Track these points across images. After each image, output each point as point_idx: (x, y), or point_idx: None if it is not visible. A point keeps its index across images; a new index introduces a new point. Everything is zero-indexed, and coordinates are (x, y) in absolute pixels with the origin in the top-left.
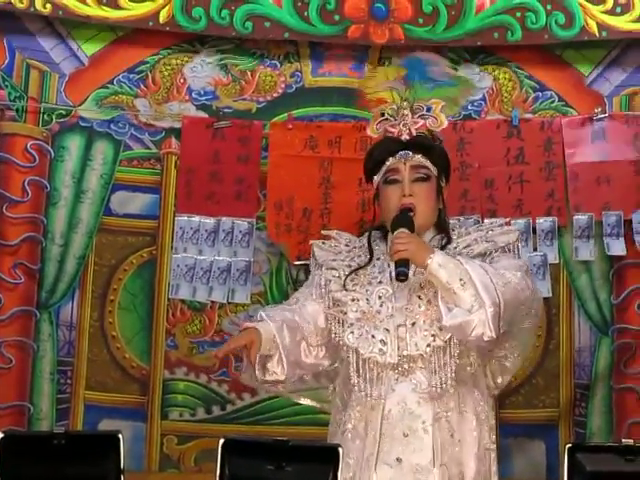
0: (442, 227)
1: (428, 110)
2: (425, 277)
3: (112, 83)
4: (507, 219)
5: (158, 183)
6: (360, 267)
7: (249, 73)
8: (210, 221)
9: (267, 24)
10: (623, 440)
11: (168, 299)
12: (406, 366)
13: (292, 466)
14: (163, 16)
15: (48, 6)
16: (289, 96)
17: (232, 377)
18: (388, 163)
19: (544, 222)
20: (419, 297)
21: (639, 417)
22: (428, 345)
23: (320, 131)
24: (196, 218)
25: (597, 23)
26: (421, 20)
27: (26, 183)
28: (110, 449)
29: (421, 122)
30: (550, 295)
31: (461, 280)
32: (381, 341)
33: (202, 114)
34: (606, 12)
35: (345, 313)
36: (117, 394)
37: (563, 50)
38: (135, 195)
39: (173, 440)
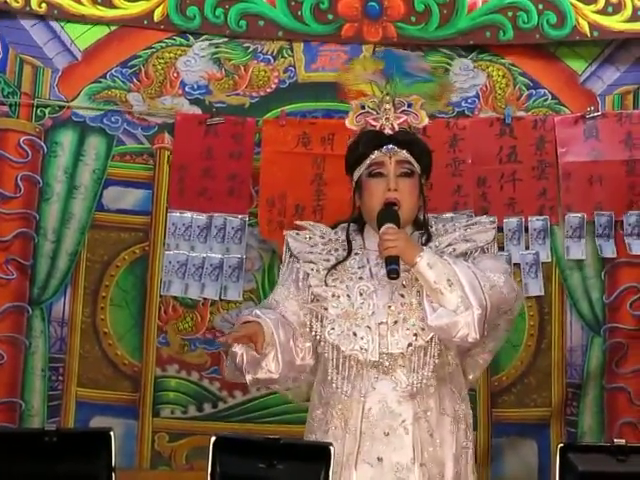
0: (421, 224)
1: (409, 106)
2: (408, 275)
3: (105, 77)
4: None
5: (151, 178)
6: (339, 262)
7: (242, 68)
8: (202, 217)
9: (261, 23)
10: (615, 440)
11: (160, 296)
12: (387, 364)
13: (283, 464)
14: (157, 15)
15: (43, 5)
16: (282, 91)
17: (224, 375)
18: (373, 156)
19: (536, 221)
20: (402, 295)
21: (630, 417)
22: (410, 344)
23: (313, 128)
24: (188, 214)
25: (589, 23)
26: (414, 19)
27: (19, 178)
28: (101, 446)
29: (404, 117)
30: (542, 294)
31: (449, 280)
32: (362, 338)
33: (195, 108)
34: (598, 12)
35: (326, 309)
36: (109, 391)
37: (557, 48)
38: (128, 190)
39: (164, 437)
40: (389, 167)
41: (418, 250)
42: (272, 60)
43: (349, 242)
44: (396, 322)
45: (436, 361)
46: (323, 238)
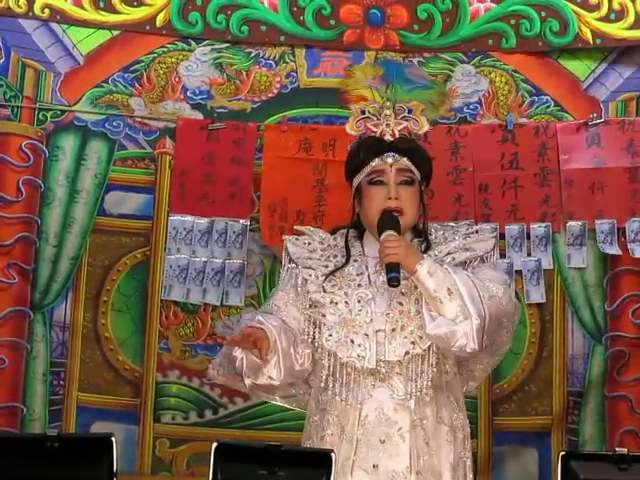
0: (420, 231)
1: (409, 112)
2: (407, 283)
3: (107, 82)
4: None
5: (152, 183)
6: (338, 268)
7: (244, 73)
8: (203, 221)
9: (263, 28)
10: (617, 449)
11: (161, 301)
12: (384, 371)
13: (284, 471)
14: (160, 20)
15: (46, 11)
16: (284, 97)
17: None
18: (373, 164)
19: (538, 228)
20: (400, 303)
21: (632, 425)
22: (407, 352)
23: (314, 133)
24: (189, 218)
25: (591, 30)
26: (416, 26)
27: (20, 183)
28: (103, 452)
29: (404, 124)
30: (544, 301)
31: (448, 290)
32: (359, 346)
33: (197, 113)
34: (600, 19)
35: (324, 315)
36: (110, 396)
37: (560, 54)
38: (129, 195)
39: (165, 443)
40: (389, 175)
41: (419, 258)
42: (274, 65)
43: (348, 249)
44: (394, 330)
45: (434, 370)
46: (322, 244)
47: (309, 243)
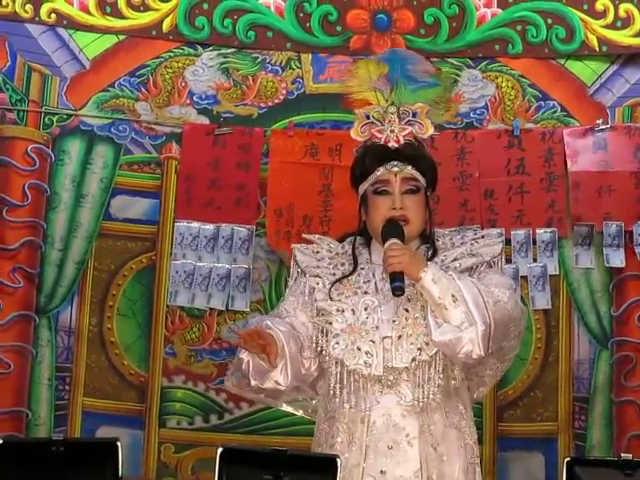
0: (427, 238)
1: (414, 115)
2: (413, 290)
3: (113, 86)
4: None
5: (158, 188)
6: (345, 276)
7: (250, 78)
8: (209, 227)
9: (269, 34)
10: (622, 455)
11: (167, 305)
12: (391, 378)
13: (290, 476)
14: (166, 25)
15: (53, 16)
16: (290, 102)
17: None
18: (378, 173)
19: (544, 233)
20: (406, 310)
21: (639, 430)
22: (413, 359)
23: (321, 138)
24: (195, 224)
25: (597, 37)
26: (423, 31)
27: (26, 187)
28: (108, 457)
29: (409, 129)
30: (549, 307)
31: (453, 296)
32: (366, 353)
33: (203, 118)
34: (606, 26)
35: (330, 323)
36: (115, 401)
37: (566, 59)
38: (135, 200)
39: (170, 448)
40: (394, 185)
41: (422, 265)
42: (280, 71)
43: (355, 257)
44: (400, 336)
45: (440, 376)
46: (330, 252)
47: (317, 252)
